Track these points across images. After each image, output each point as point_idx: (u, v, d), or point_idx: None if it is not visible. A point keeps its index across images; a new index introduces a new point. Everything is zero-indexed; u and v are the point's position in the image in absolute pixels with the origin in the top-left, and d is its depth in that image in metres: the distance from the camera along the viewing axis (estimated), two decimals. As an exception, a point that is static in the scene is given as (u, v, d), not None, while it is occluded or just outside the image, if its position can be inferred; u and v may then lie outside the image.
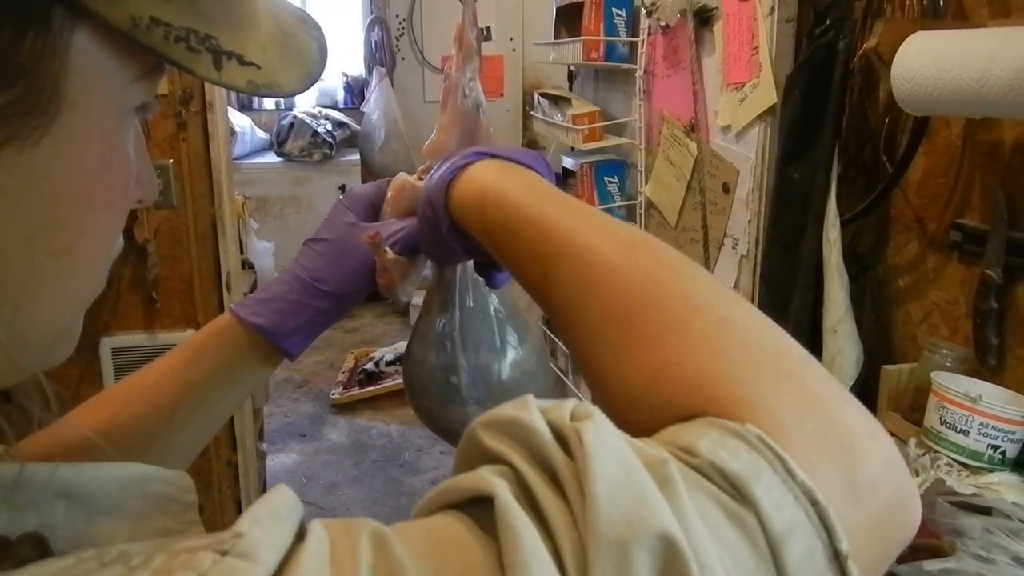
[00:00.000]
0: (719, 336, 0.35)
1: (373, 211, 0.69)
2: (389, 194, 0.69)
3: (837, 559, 0.28)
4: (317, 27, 0.44)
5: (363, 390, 3.51)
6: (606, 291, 0.39)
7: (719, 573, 0.25)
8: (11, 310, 0.31)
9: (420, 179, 0.68)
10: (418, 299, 0.77)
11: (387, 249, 0.64)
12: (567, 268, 0.41)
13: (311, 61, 0.41)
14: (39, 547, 0.30)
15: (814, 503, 0.28)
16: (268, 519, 0.26)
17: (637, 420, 0.33)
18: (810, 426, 0.31)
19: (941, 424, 1.00)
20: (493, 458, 0.30)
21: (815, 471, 0.29)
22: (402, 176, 0.69)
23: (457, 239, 0.54)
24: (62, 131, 0.30)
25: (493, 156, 0.54)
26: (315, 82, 0.41)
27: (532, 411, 0.30)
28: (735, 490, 0.28)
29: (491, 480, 0.28)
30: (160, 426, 0.59)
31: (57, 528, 0.32)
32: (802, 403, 0.32)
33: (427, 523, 0.29)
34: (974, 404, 0.97)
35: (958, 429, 0.98)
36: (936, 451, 1.00)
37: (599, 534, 0.25)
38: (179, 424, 0.60)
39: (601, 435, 0.28)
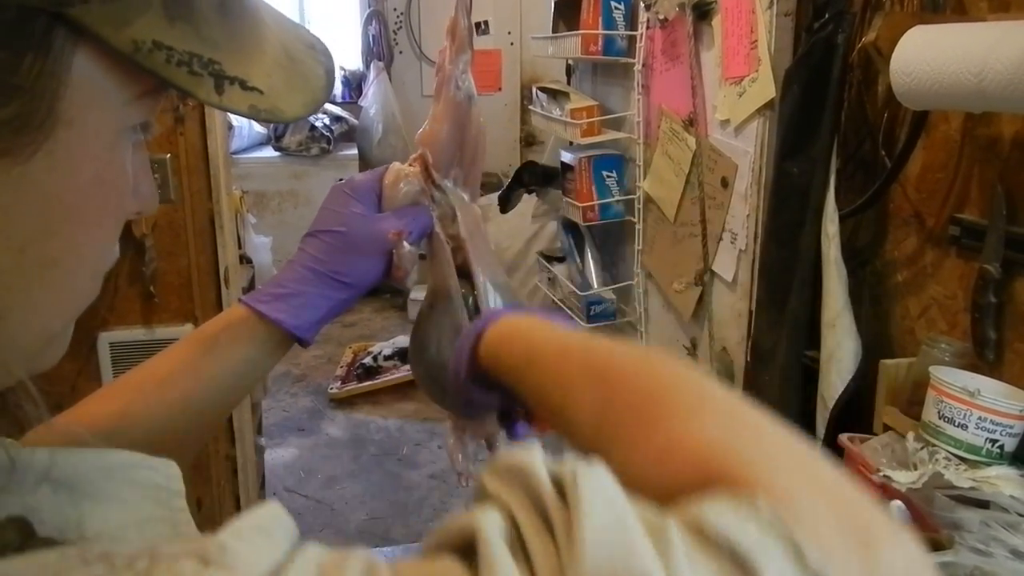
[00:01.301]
0: (730, 418, 0.35)
1: (378, 200, 0.70)
2: (386, 183, 0.70)
3: None
4: (326, 53, 0.45)
5: (361, 384, 3.51)
6: (622, 395, 0.40)
7: None
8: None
9: (412, 166, 0.71)
10: (416, 294, 0.78)
11: (403, 242, 0.66)
12: (587, 384, 0.43)
13: (316, 88, 0.42)
14: (23, 531, 0.30)
15: None
16: (251, 533, 0.26)
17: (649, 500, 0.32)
18: (824, 510, 0.29)
19: (939, 418, 1.00)
20: (492, 500, 0.30)
21: (831, 557, 0.27)
22: (396, 165, 0.71)
23: (479, 389, 0.59)
24: (57, 147, 0.30)
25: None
26: (320, 108, 0.42)
27: (535, 456, 0.30)
28: (743, 570, 0.26)
29: (479, 517, 0.28)
30: (175, 418, 0.59)
31: (42, 512, 0.32)
32: (819, 489, 0.31)
33: (423, 563, 0.28)
34: (972, 398, 0.97)
35: (956, 423, 0.98)
36: (934, 445, 1.00)
37: None
38: (195, 416, 0.61)
39: (598, 481, 0.28)
